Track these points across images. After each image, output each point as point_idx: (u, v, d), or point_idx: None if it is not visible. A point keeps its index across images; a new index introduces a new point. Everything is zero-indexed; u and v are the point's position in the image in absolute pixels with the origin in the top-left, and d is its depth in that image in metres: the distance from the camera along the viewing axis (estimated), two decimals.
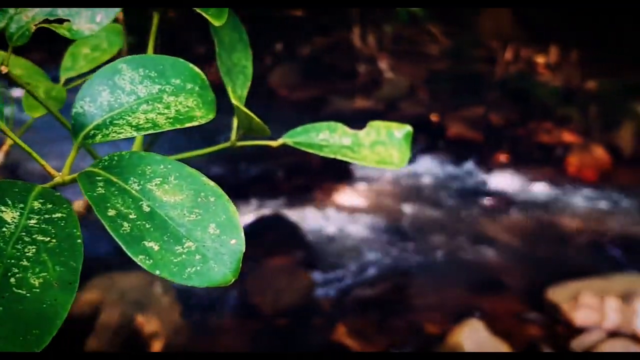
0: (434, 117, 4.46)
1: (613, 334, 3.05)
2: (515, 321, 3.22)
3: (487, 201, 4.90)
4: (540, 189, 5.14)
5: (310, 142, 0.47)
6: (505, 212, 4.73)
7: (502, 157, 5.80)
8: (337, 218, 4.42)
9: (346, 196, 4.85)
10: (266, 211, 4.29)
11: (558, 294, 3.34)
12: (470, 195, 5.03)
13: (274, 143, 0.47)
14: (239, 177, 4.76)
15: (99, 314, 2.39)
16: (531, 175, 5.37)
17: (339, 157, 0.45)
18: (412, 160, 5.64)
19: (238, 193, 4.53)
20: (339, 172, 5.14)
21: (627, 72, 6.27)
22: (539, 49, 6.90)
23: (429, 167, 5.54)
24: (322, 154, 0.46)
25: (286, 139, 0.47)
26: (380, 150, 0.47)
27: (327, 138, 0.49)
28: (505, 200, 4.91)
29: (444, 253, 4.05)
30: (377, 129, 0.48)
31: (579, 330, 3.08)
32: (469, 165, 5.61)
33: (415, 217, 4.52)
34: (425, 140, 6.06)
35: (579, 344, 2.95)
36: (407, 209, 4.66)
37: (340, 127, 0.48)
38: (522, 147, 5.87)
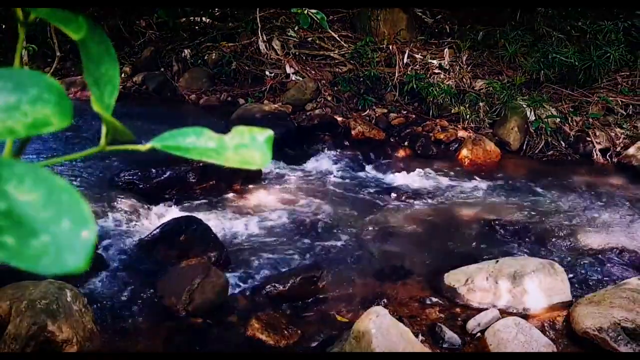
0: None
1: (505, 312, 3.32)
2: (418, 305, 3.42)
3: (390, 195, 5.14)
4: (438, 182, 5.46)
5: (177, 146, 0.54)
6: (407, 205, 4.99)
7: (403, 154, 6.10)
8: (248, 217, 4.51)
9: (257, 196, 4.96)
10: (179, 213, 4.32)
11: (455, 278, 3.58)
12: (374, 191, 5.26)
13: (142, 147, 0.55)
14: (151, 181, 4.74)
15: (6, 324, 2.36)
16: (430, 169, 5.69)
17: (204, 159, 0.53)
18: (320, 160, 5.84)
19: (151, 196, 4.55)
20: (250, 174, 5.24)
21: (508, 72, 6.74)
22: (433, 52, 7.27)
23: (336, 166, 5.75)
24: (188, 156, 0.54)
25: (154, 143, 0.54)
26: (244, 152, 0.54)
27: (193, 142, 0.56)
28: (407, 194, 5.18)
29: (351, 246, 4.22)
30: (241, 133, 0.56)
31: (476, 311, 3.33)
32: (373, 162, 5.86)
33: (324, 213, 4.68)
34: (332, 140, 6.26)
35: (475, 323, 3.19)
36: (316, 205, 4.81)
37: (206, 132, 0.55)
38: (420, 143, 6.20)
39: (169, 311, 3.17)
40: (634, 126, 5.96)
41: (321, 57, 7.59)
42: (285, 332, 2.99)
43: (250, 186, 5.12)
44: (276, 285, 3.48)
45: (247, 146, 0.57)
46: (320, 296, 3.49)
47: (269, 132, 0.62)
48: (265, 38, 7.53)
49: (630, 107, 6.11)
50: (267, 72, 7.44)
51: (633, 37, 6.55)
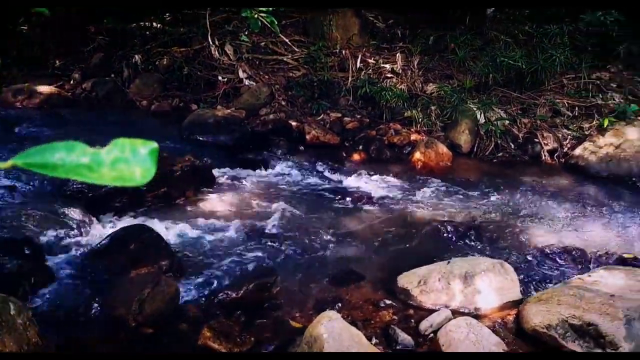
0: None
1: (458, 312, 3.37)
2: (372, 308, 3.44)
3: (345, 199, 5.16)
4: (392, 185, 5.51)
5: (43, 163, 0.50)
6: (361, 208, 5.01)
7: (357, 158, 6.13)
8: (201, 224, 4.46)
9: (210, 202, 4.91)
10: (129, 222, 4.24)
11: (408, 280, 3.61)
12: (329, 195, 5.27)
13: (2, 165, 0.50)
14: (100, 190, 4.65)
15: None
16: (384, 172, 5.74)
17: (72, 177, 0.49)
18: (274, 165, 5.82)
19: (100, 205, 4.45)
20: (203, 180, 5.18)
21: (458, 75, 6.86)
22: (386, 56, 7.35)
23: (290, 170, 5.74)
24: (55, 174, 0.49)
25: (16, 160, 0.49)
26: (122, 167, 0.51)
27: (63, 158, 0.51)
28: (361, 197, 5.21)
29: (306, 251, 4.22)
30: (121, 146, 0.52)
31: (429, 312, 3.36)
32: (328, 166, 5.88)
33: (278, 218, 4.66)
34: (286, 145, 6.25)
35: (428, 324, 3.22)
36: (270, 211, 4.79)
37: (79, 146, 0.51)
38: (374, 147, 6.25)
39: (118, 322, 3.10)
40: (580, 127, 6.14)
41: (274, 62, 7.59)
42: (238, 339, 2.96)
43: (204, 192, 5.07)
44: (229, 292, 3.45)
45: (126, 161, 0.53)
46: (274, 302, 3.47)
47: (154, 145, 0.58)
48: (217, 43, 7.47)
49: (576, 108, 6.29)
50: (219, 77, 7.39)
51: (578, 40, 6.76)
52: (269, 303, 3.47)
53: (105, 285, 3.41)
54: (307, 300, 3.52)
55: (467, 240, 4.44)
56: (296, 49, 7.63)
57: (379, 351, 2.79)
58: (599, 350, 2.88)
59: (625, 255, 4.21)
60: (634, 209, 5.00)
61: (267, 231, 4.49)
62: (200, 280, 3.66)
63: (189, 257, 3.98)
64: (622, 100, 6.20)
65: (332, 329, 2.47)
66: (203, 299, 3.45)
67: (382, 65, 7.16)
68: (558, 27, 6.73)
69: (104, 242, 3.81)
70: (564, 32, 6.73)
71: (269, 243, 4.28)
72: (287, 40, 7.46)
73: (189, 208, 4.78)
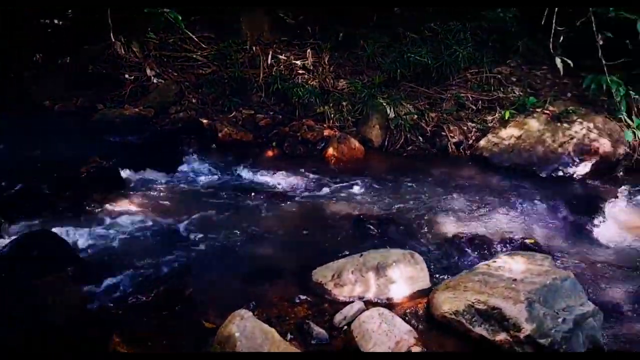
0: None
1: (371, 303, 3.43)
2: (287, 305, 3.44)
3: (259, 196, 5.13)
4: (306, 181, 5.54)
5: None
6: (276, 205, 5.01)
7: (271, 154, 6.12)
8: (110, 228, 4.34)
9: (119, 205, 4.76)
10: (32, 228, 4.05)
11: (323, 274, 3.65)
12: (243, 192, 5.22)
13: None
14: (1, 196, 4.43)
15: None
16: (298, 168, 5.75)
17: None
18: (185, 164, 5.70)
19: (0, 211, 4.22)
20: (110, 182, 5.02)
21: (368, 71, 6.99)
22: (297, 53, 7.36)
23: (203, 169, 5.66)
24: None
25: None
26: None
27: None
28: (275, 194, 5.21)
29: (219, 250, 4.17)
30: None
31: (344, 304, 3.40)
32: (241, 164, 5.82)
33: (190, 218, 4.59)
34: (198, 143, 6.15)
35: (341, 317, 3.26)
36: (182, 211, 4.71)
37: None
38: (288, 143, 6.25)
39: (22, 333, 2.95)
40: (484, 120, 6.39)
41: (183, 59, 7.44)
42: (149, 343, 2.88)
43: (112, 195, 4.90)
44: (139, 295, 3.37)
45: None
46: (187, 304, 3.41)
47: None
48: (123, 40, 7.23)
49: (480, 102, 6.55)
50: (126, 76, 7.16)
51: (479, 36, 7.03)
52: (182, 305, 3.41)
53: (7, 294, 3.23)
54: (220, 300, 3.48)
55: (380, 233, 4.53)
56: (205, 46, 7.51)
57: (293, 347, 2.79)
58: (503, 333, 3.01)
59: (527, 241, 4.43)
60: (534, 196, 5.26)
61: (179, 232, 4.41)
62: (109, 285, 3.54)
63: (97, 262, 3.85)
64: (521, 93, 6.51)
65: (243, 327, 2.45)
66: (112, 304, 3.34)
67: (293, 61, 7.18)
68: (460, 24, 6.98)
69: (4, 249, 3.61)
70: (466, 28, 6.99)
71: (181, 243, 4.21)
72: (194, 37, 7.33)
73: (96, 211, 4.61)
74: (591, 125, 5.95)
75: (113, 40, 6.99)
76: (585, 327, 3.08)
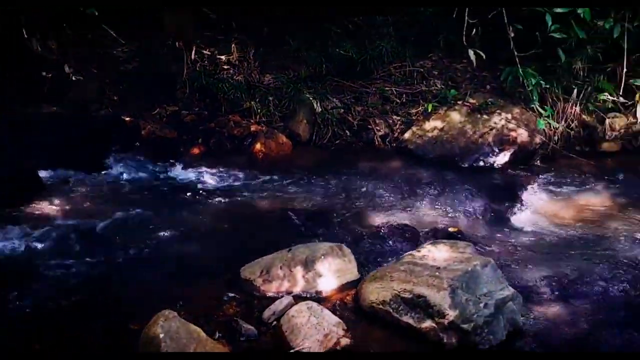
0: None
1: (300, 298, 3.44)
2: (215, 303, 3.39)
3: (185, 194, 5.05)
4: (234, 177, 5.50)
5: None
6: (203, 202, 4.95)
7: (197, 151, 6.03)
8: (28, 232, 4.18)
9: (39, 208, 4.59)
10: None
11: (251, 271, 3.63)
12: (168, 191, 5.13)
13: None
14: None
15: None
16: (225, 165, 5.70)
17: None
18: (108, 163, 5.54)
19: None
20: (28, 185, 4.82)
21: (294, 66, 6.99)
22: (221, 48, 7.26)
23: (126, 169, 5.51)
24: None
25: None
26: None
27: None
28: (202, 191, 5.14)
29: (146, 250, 4.09)
30: None
31: (273, 300, 3.39)
32: (166, 162, 5.71)
33: (115, 219, 4.48)
34: (120, 141, 5.97)
35: (270, 313, 3.25)
36: (106, 212, 4.58)
37: None
38: (215, 140, 6.17)
39: None
40: (408, 113, 6.52)
41: (104, 55, 7.19)
42: (70, 350, 2.79)
43: (31, 198, 4.70)
44: (61, 300, 3.25)
45: None
46: (112, 306, 3.33)
47: None
48: (38, 36, 6.92)
49: (404, 95, 6.67)
50: (43, 73, 6.85)
51: (402, 31, 7.15)
52: (106, 307, 3.33)
53: None
54: (146, 300, 3.39)
55: (309, 227, 4.55)
56: (125, 42, 7.30)
57: (221, 345, 2.77)
58: (428, 320, 3.08)
59: (451, 229, 4.56)
60: (457, 186, 5.42)
61: (102, 233, 4.29)
62: (28, 290, 3.41)
63: (15, 267, 3.70)
64: (443, 86, 6.67)
65: (168, 327, 2.41)
66: (30, 310, 3.21)
67: (218, 56, 7.09)
68: (384, 19, 7.09)
69: None
70: (389, 23, 7.10)
71: (105, 245, 4.09)
72: (113, 33, 7.12)
73: (13, 215, 4.41)
74: (509, 116, 6.18)
75: (30, 36, 6.67)
76: (505, 310, 3.20)
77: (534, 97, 5.31)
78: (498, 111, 6.24)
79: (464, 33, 3.76)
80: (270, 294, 3.50)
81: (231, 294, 3.50)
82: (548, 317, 3.49)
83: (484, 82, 6.70)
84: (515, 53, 4.28)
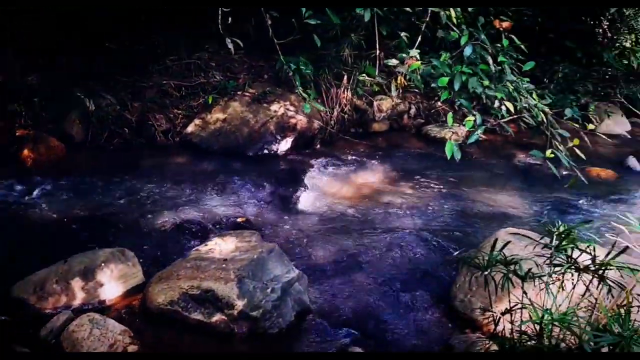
0: None
1: (81, 310, 3.20)
2: None
3: None
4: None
5: None
6: None
7: None
8: None
9: None
10: None
11: (23, 289, 3.32)
12: None
13: None
14: None
15: None
16: None
17: None
18: None
19: None
20: None
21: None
22: None
23: None
24: None
25: None
26: None
27: None
28: None
29: None
30: None
31: (51, 317, 3.11)
32: None
33: None
34: None
35: (47, 331, 2.99)
36: None
37: None
38: None
39: None
40: (189, 106, 6.42)
41: None
42: None
43: None
44: None
45: None
46: None
47: None
48: None
49: (183, 88, 6.54)
50: None
51: (176, 23, 6.98)
52: None
53: None
54: None
55: (88, 234, 4.27)
56: None
57: None
58: (218, 313, 3.08)
59: (239, 220, 4.61)
60: (243, 176, 5.47)
61: None
62: None
63: None
64: (222, 78, 6.67)
65: None
66: None
67: None
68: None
69: None
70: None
71: None
72: None
73: None
74: (287, 103, 6.40)
75: None
76: (292, 292, 3.32)
77: (297, 83, 5.52)
78: (277, 100, 6.42)
79: (219, 21, 3.77)
80: (47, 311, 3.24)
81: (2, 317, 3.17)
82: (334, 292, 3.69)
83: (261, 72, 6.84)
84: (275, 41, 4.39)
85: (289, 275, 3.36)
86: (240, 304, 3.07)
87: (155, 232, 4.37)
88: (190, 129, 6.19)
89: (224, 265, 3.28)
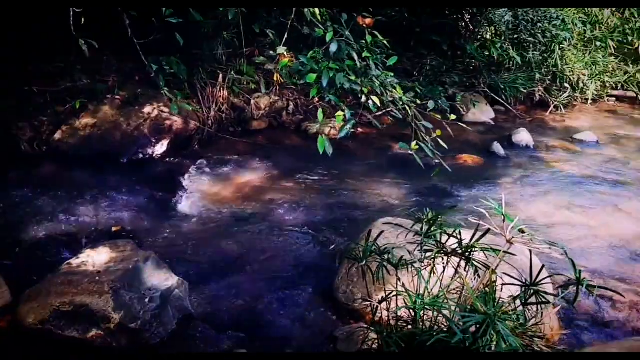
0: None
1: None
2: None
3: None
4: None
5: None
6: None
7: None
8: None
9: None
10: None
11: None
12: None
13: None
14: None
15: None
16: None
17: None
18: None
19: None
20: None
21: None
22: None
23: None
24: None
25: None
26: None
27: None
28: None
29: None
30: None
31: None
32: None
33: None
34: None
35: None
36: None
37: None
38: None
39: None
40: (56, 112, 6.04)
41: None
42: None
43: None
44: None
45: None
46: None
47: None
48: None
49: (47, 93, 6.15)
50: None
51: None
52: None
53: None
54: None
55: None
56: None
57: None
58: (94, 329, 2.95)
59: (114, 229, 4.44)
60: (118, 183, 5.26)
61: None
62: None
63: None
64: (89, 80, 6.35)
65: None
66: None
67: None
68: None
69: None
70: None
71: None
72: None
73: None
74: (161, 105, 6.22)
75: None
76: (172, 299, 3.25)
77: (161, 84, 5.38)
78: (150, 102, 6.22)
79: (71, 22, 3.58)
80: None
81: None
82: (217, 295, 3.66)
83: (132, 74, 6.59)
84: (135, 41, 4.25)
85: (168, 283, 3.29)
86: (117, 316, 2.96)
87: (23, 248, 4.11)
88: (57, 136, 5.85)
89: (97, 278, 3.14)
